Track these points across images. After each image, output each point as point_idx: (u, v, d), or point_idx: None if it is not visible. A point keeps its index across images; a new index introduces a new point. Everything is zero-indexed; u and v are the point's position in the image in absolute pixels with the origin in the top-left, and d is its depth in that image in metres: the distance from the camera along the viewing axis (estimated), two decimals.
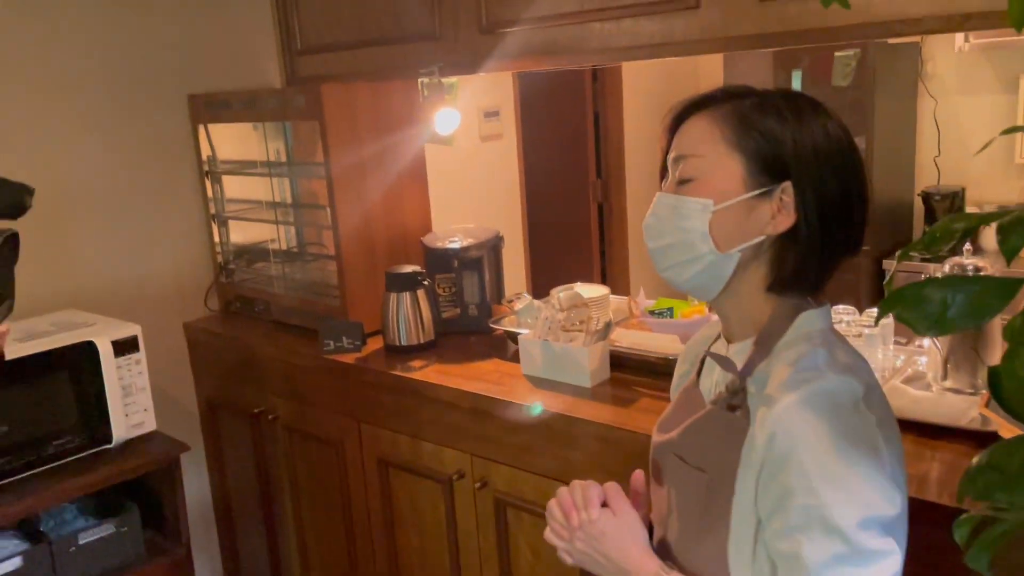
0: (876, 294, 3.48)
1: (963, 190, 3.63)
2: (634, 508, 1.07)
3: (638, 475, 1.13)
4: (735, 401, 0.98)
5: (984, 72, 3.61)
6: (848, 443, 0.87)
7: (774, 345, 0.97)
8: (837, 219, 0.97)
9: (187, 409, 2.63)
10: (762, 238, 0.96)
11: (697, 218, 0.98)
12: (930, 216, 3.65)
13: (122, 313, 2.26)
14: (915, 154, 3.83)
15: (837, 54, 3.61)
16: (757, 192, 0.95)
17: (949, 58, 3.67)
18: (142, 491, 2.15)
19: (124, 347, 2.02)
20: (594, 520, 1.04)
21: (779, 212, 0.95)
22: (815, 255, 0.97)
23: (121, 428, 2.02)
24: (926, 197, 3.65)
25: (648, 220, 1.04)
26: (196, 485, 2.62)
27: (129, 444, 2.06)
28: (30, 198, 1.17)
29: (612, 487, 1.07)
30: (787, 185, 0.95)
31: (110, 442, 2.01)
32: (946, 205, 3.60)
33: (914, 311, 0.84)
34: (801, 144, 0.95)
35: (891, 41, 3.43)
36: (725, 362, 1.02)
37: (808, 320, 0.98)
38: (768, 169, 0.95)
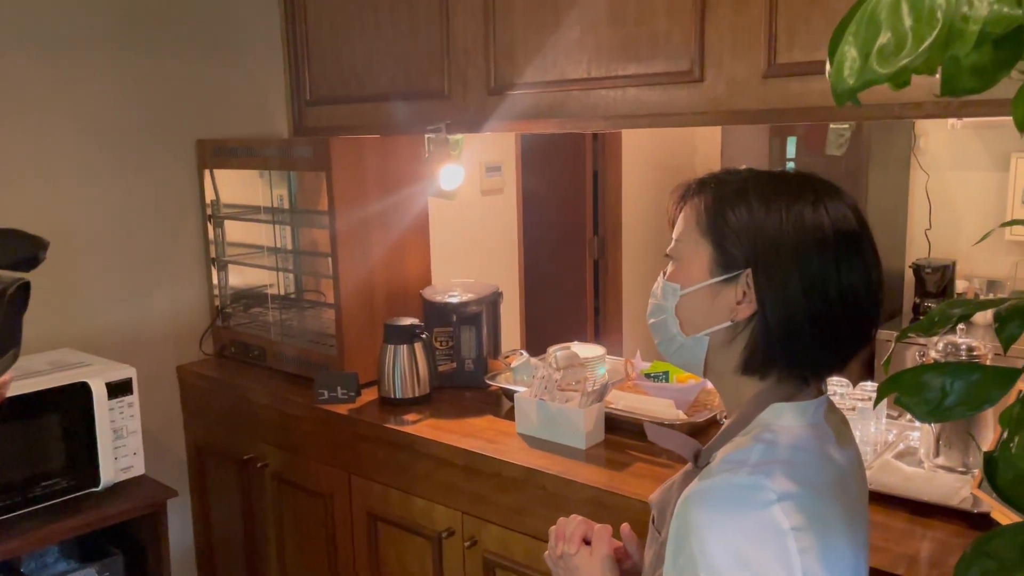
0: (866, 363, 3.51)
1: (954, 263, 3.68)
2: (615, 555, 1.15)
3: (624, 528, 1.20)
4: (695, 475, 1.00)
5: (976, 149, 3.69)
6: (742, 543, 0.86)
7: (742, 429, 0.99)
8: (808, 310, 0.94)
9: (175, 453, 2.60)
10: (728, 324, 0.98)
11: (669, 300, 1.03)
12: (920, 288, 3.70)
13: (117, 354, 2.26)
14: (907, 226, 3.89)
15: (832, 125, 3.68)
16: (720, 279, 0.98)
17: (942, 134, 3.75)
18: (125, 535, 2.12)
19: (118, 389, 2.01)
20: (571, 554, 1.14)
21: (743, 299, 0.97)
22: (779, 344, 0.96)
23: (110, 471, 2.00)
24: (917, 269, 3.69)
25: (650, 299, 1.08)
26: (179, 531, 2.59)
27: (116, 487, 2.04)
28: (44, 252, 1.19)
29: (600, 529, 1.16)
30: (748, 273, 0.96)
31: (97, 485, 1.99)
32: (937, 278, 3.65)
33: (914, 396, 0.86)
34: (762, 234, 0.95)
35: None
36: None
37: (776, 412, 0.97)
38: (731, 258, 0.97)
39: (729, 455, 0.95)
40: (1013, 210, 3.48)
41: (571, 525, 1.16)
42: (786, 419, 0.97)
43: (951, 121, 3.64)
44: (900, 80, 0.66)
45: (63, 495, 1.95)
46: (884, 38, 0.62)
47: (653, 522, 1.09)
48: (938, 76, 0.67)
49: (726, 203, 0.98)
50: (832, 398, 1.75)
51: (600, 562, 1.12)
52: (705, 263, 0.99)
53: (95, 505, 1.99)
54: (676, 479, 1.08)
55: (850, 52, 0.64)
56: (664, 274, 1.05)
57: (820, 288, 0.94)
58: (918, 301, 3.69)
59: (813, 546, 0.88)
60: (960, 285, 3.68)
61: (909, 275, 3.78)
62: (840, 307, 0.95)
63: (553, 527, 1.18)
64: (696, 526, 0.88)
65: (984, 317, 3.33)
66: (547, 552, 1.19)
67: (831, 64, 0.66)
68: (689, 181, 1.06)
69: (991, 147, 3.64)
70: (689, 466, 1.06)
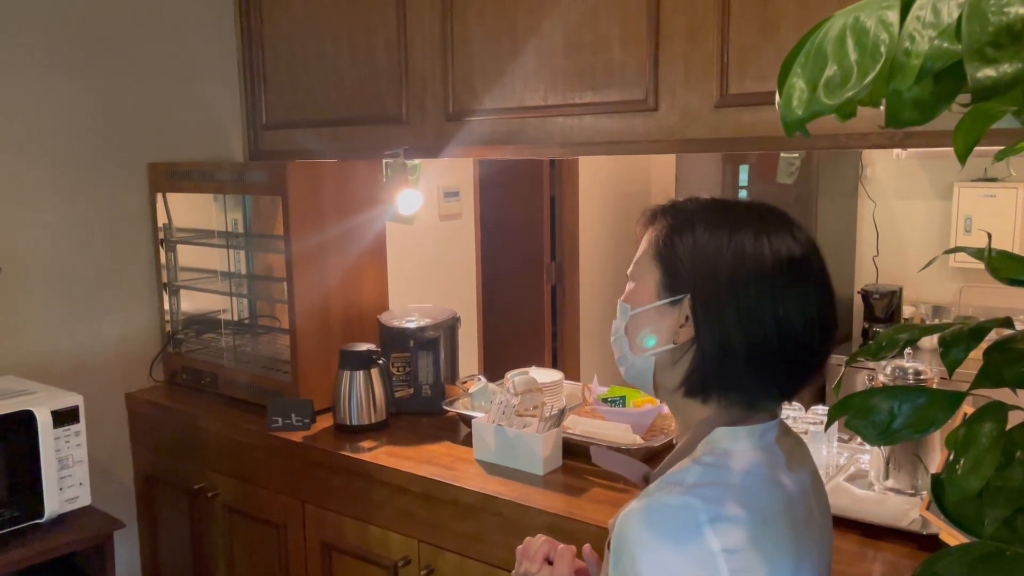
0: (817, 388, 3.56)
1: (900, 289, 3.77)
2: (575, 574, 1.16)
3: (586, 548, 1.21)
4: None
5: (920, 179, 3.81)
6: (671, 561, 0.88)
7: (689, 453, 1.00)
8: (743, 338, 0.95)
9: (123, 483, 2.54)
10: (671, 346, 1.01)
11: (622, 320, 1.06)
12: (869, 313, 3.78)
13: (63, 381, 2.20)
14: (855, 253, 3.99)
15: (783, 154, 3.77)
16: (664, 302, 1.01)
17: (888, 164, 3.86)
18: (71, 567, 2.05)
19: (64, 418, 1.95)
20: (533, 573, 1.16)
21: (685, 323, 0.99)
22: (713, 369, 0.98)
23: (54, 502, 1.94)
24: (865, 295, 3.78)
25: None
26: (127, 563, 2.51)
27: (61, 519, 1.97)
28: None
29: (563, 549, 1.18)
30: (689, 298, 0.99)
31: (42, 516, 1.93)
32: (884, 303, 3.73)
33: (863, 420, 0.88)
34: (703, 263, 0.98)
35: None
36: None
37: (720, 436, 0.99)
38: (676, 283, 1.00)
39: (667, 476, 0.97)
40: (956, 237, 3.59)
41: (535, 544, 1.19)
42: (730, 443, 0.98)
43: (896, 151, 3.75)
44: (846, 111, 0.68)
45: (6, 527, 1.88)
46: (831, 71, 0.64)
47: (608, 546, 1.10)
48: (882, 108, 0.69)
49: (677, 230, 1.02)
50: (785, 422, 1.76)
51: None
52: (653, 286, 1.02)
53: (39, 537, 1.92)
54: (627, 505, 1.08)
55: (798, 84, 0.66)
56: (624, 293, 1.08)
57: (755, 318, 0.95)
58: (867, 326, 3.77)
59: (748, 568, 0.89)
60: (907, 311, 3.78)
61: (858, 300, 3.87)
62: (776, 338, 0.96)
63: (520, 546, 1.20)
64: (629, 544, 0.91)
65: (930, 342, 3.41)
66: (513, 571, 1.21)
67: (780, 95, 0.68)
68: (655, 206, 1.08)
69: (935, 177, 3.76)
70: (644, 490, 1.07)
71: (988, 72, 0.58)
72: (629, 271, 1.08)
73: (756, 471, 0.97)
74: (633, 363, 1.05)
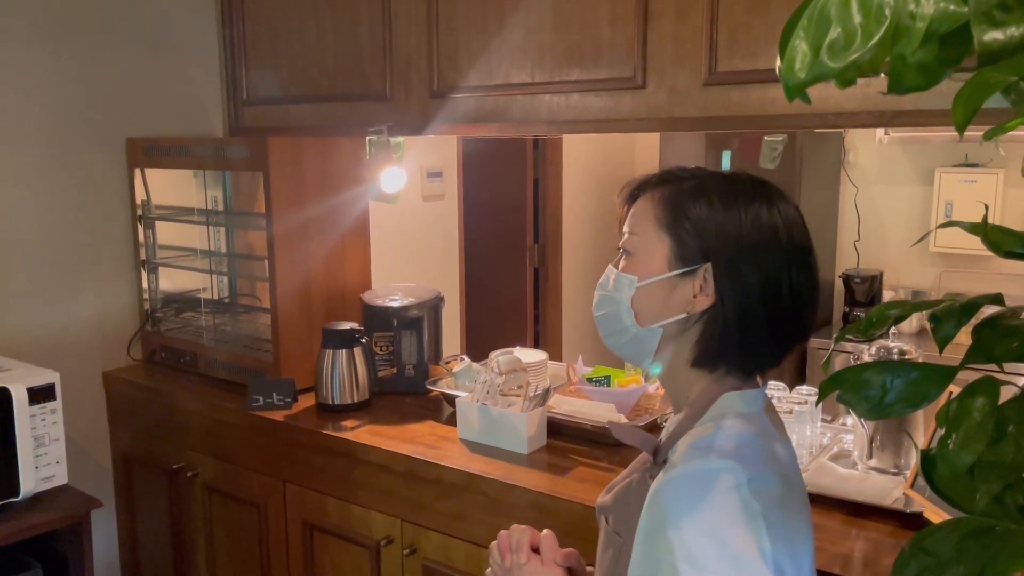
0: (798, 369, 3.58)
1: (881, 274, 3.79)
2: (566, 559, 1.13)
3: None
4: (654, 472, 1.00)
5: (902, 164, 3.82)
6: (718, 526, 0.87)
7: (697, 421, 1.00)
8: (762, 305, 0.97)
9: (100, 462, 2.50)
10: (684, 316, 1.00)
11: (624, 292, 1.03)
12: (850, 297, 3.80)
13: (39, 358, 2.16)
14: (837, 237, 4.00)
15: (766, 138, 3.77)
16: (679, 272, 0.99)
17: (870, 149, 3.87)
18: (47, 547, 2.02)
19: (40, 395, 1.92)
20: (522, 564, 1.12)
21: (700, 292, 0.99)
22: (733, 337, 0.98)
23: (30, 481, 1.91)
24: (847, 279, 3.80)
25: (596, 290, 1.09)
26: (104, 544, 2.49)
27: (37, 498, 1.94)
28: None
29: (546, 536, 1.15)
30: (708, 267, 0.98)
31: (17, 495, 1.90)
32: (865, 287, 3.75)
33: (855, 394, 0.87)
34: (723, 231, 0.98)
35: (817, 129, 3.61)
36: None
37: (729, 401, 1.00)
38: (691, 252, 0.99)
39: (694, 442, 0.96)
40: (937, 222, 3.61)
41: (516, 535, 1.15)
42: (742, 406, 1.00)
43: (879, 136, 3.76)
44: (847, 77, 0.67)
45: None
46: (834, 33, 0.62)
47: (607, 523, 1.08)
48: (881, 77, 0.68)
49: (687, 199, 1.00)
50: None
51: (551, 569, 1.12)
52: (663, 256, 1.01)
53: (14, 516, 1.89)
54: (634, 479, 1.07)
55: (801, 47, 0.64)
56: (615, 266, 1.06)
57: (774, 286, 0.97)
58: (847, 310, 3.79)
59: (780, 527, 0.90)
60: (887, 295, 3.80)
61: (839, 284, 3.89)
62: (789, 305, 0.99)
63: (494, 543, 1.17)
64: (671, 514, 0.89)
65: (910, 325, 3.45)
66: (489, 569, 1.17)
67: (782, 59, 0.66)
68: (641, 177, 1.07)
69: (916, 162, 3.77)
70: (644, 465, 1.06)
71: (995, 35, 0.57)
72: (623, 243, 1.05)
73: (768, 433, 0.99)
74: (636, 336, 1.03)
